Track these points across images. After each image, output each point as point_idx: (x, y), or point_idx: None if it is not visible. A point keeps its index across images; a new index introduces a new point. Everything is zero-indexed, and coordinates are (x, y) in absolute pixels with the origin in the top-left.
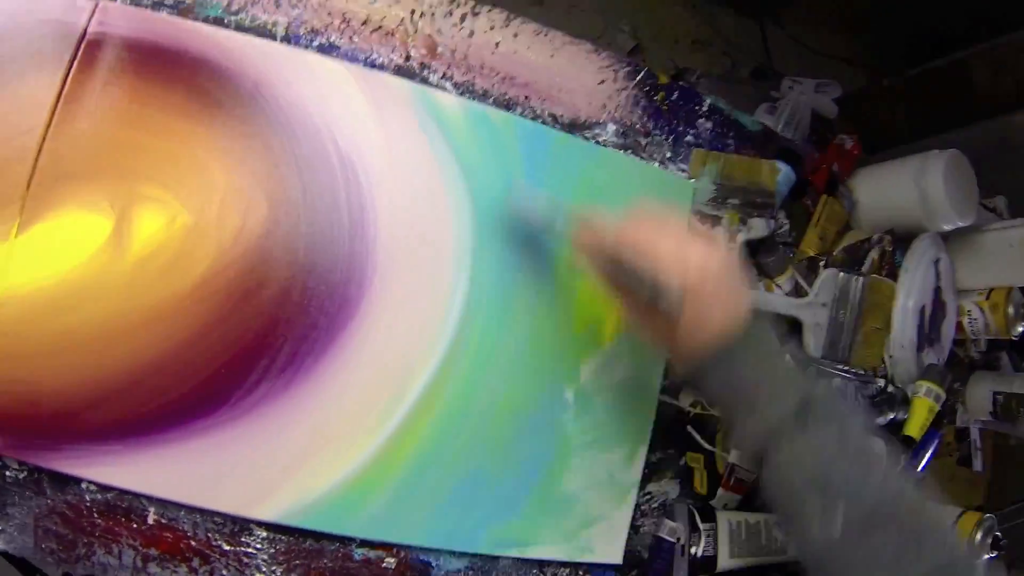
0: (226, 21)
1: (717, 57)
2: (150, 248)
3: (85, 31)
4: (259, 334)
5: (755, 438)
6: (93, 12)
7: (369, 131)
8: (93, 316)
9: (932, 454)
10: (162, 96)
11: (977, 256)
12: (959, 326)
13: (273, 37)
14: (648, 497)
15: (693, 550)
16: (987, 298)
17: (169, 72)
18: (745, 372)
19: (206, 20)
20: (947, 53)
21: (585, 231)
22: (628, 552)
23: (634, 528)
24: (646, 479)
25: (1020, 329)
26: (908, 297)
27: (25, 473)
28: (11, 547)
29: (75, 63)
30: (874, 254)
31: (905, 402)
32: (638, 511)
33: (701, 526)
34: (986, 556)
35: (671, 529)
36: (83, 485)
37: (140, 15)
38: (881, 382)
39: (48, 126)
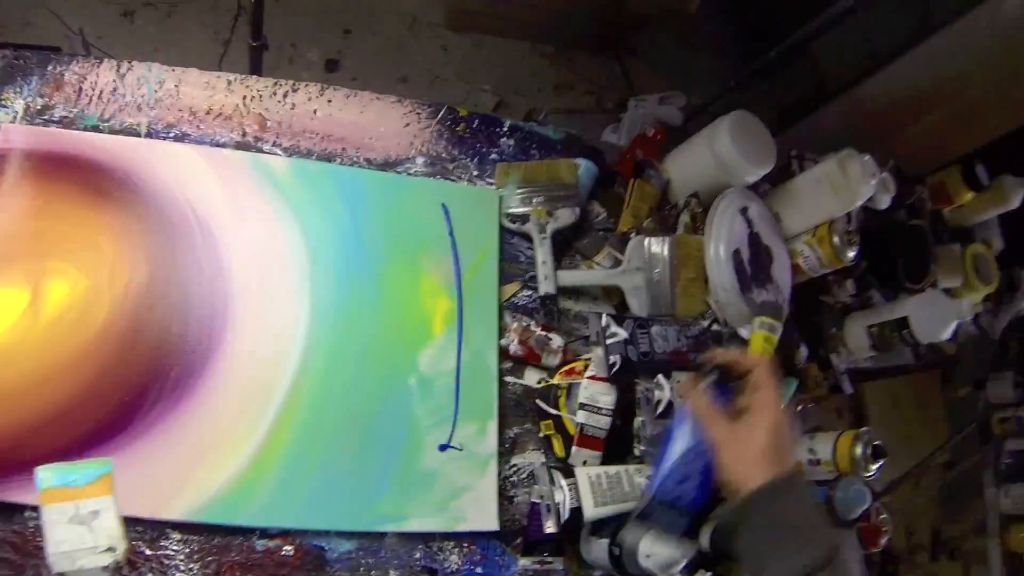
0: (101, 127)
1: (580, 96)
2: (59, 310)
3: None
4: (151, 365)
5: None
6: None
7: (217, 197)
8: (19, 370)
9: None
10: (57, 191)
11: (795, 202)
12: (797, 268)
13: (138, 134)
14: (515, 469)
15: (560, 506)
16: (814, 235)
17: (61, 172)
18: (786, 514)
19: (85, 128)
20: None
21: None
22: (509, 521)
23: (509, 499)
24: (509, 452)
25: (851, 254)
26: (717, 244)
27: None
28: None
29: None
30: (685, 217)
31: (734, 337)
32: (508, 483)
33: (562, 482)
34: (874, 467)
35: (536, 491)
36: (25, 514)
37: (34, 131)
38: (705, 323)
39: None
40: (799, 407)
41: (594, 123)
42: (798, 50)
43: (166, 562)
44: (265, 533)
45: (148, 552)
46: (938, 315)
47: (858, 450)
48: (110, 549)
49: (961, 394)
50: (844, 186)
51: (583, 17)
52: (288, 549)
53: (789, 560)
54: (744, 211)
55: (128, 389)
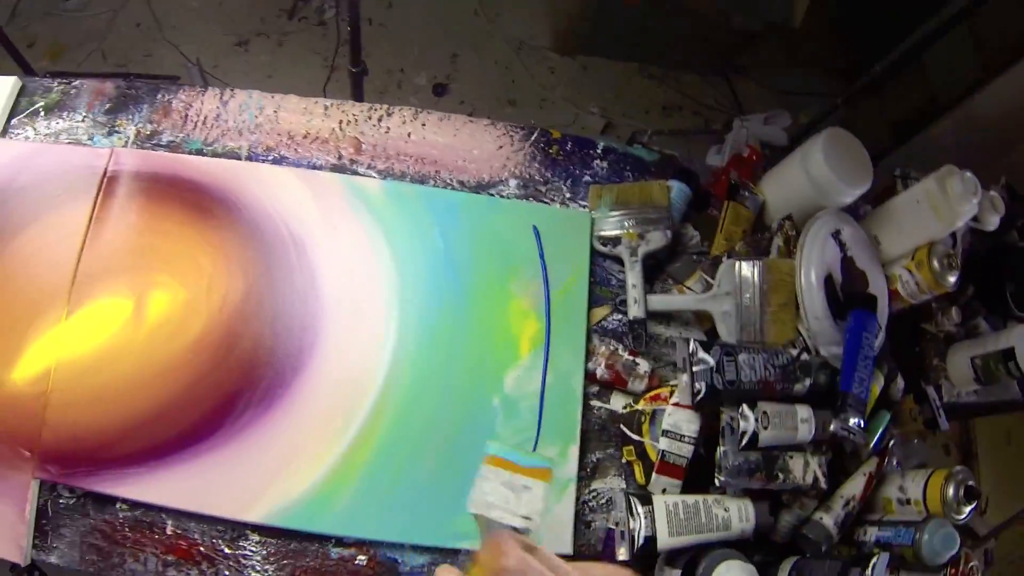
0: (204, 151)
1: (688, 118)
2: (159, 320)
3: (106, 170)
4: (243, 374)
5: None
6: (110, 156)
7: (312, 216)
8: (121, 373)
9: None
10: (162, 210)
11: (893, 223)
12: (895, 294)
13: (239, 157)
14: (595, 494)
15: (634, 534)
16: (912, 259)
17: (166, 192)
18: None
19: (190, 152)
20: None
21: None
22: (585, 546)
23: (586, 524)
24: (590, 477)
25: (951, 279)
26: (808, 270)
27: (74, 499)
28: (62, 561)
29: (100, 194)
30: (778, 241)
31: (824, 367)
32: (587, 508)
33: (639, 510)
34: (966, 510)
35: (613, 517)
36: (116, 505)
37: (143, 154)
38: (794, 352)
39: (84, 240)
40: (900, 441)
41: (701, 144)
42: (906, 62)
43: (243, 561)
44: (341, 542)
45: (227, 550)
46: None
47: (950, 491)
48: (526, 518)
49: None
50: (944, 205)
51: (689, 36)
52: (362, 559)
53: None
54: (836, 234)
55: (220, 396)
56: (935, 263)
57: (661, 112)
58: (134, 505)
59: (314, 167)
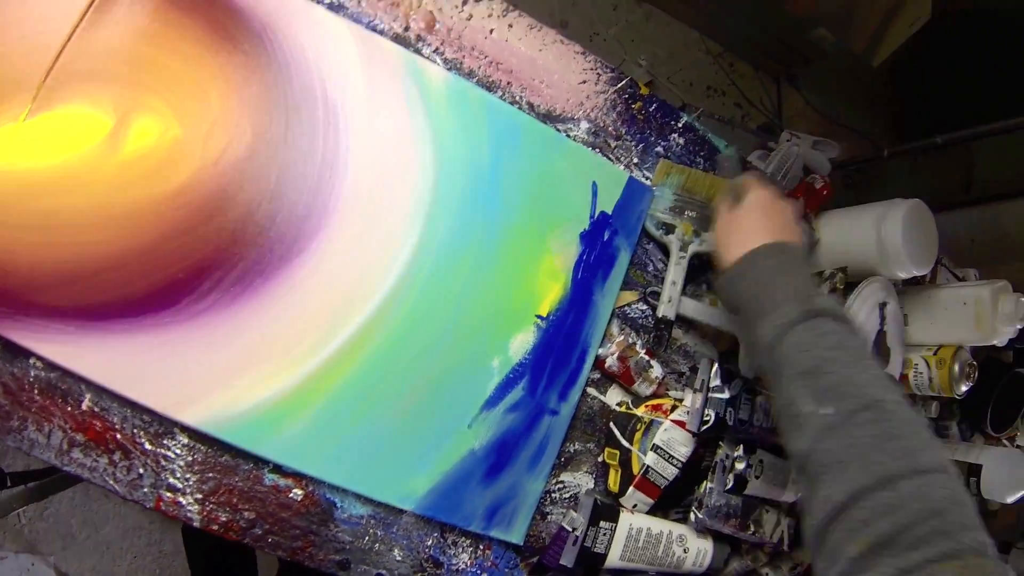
0: None
1: (728, 107)
2: (140, 152)
3: None
4: (220, 248)
5: (763, 338)
6: None
7: (357, 85)
8: (76, 202)
9: None
10: (181, 21)
11: (930, 312)
12: (904, 379)
13: None
14: (560, 486)
15: (588, 543)
16: (935, 354)
17: (194, 1)
18: (768, 274)
19: None
20: (949, 131)
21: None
22: (534, 538)
23: (542, 515)
24: (562, 467)
25: (963, 388)
26: None
27: None
28: None
29: None
30: (826, 288)
31: None
32: (549, 499)
33: (601, 523)
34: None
35: (572, 519)
36: (31, 361)
37: None
38: None
39: (75, 29)
40: None
41: (733, 139)
42: (957, 142)
43: (163, 463)
44: (279, 469)
45: (148, 446)
46: (1013, 477)
47: (955, 368)
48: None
49: None
50: (988, 319)
51: (763, 28)
52: (297, 493)
53: (768, 318)
54: (882, 306)
55: (186, 266)
56: (956, 368)
57: (704, 91)
58: (51, 366)
59: (374, 30)
